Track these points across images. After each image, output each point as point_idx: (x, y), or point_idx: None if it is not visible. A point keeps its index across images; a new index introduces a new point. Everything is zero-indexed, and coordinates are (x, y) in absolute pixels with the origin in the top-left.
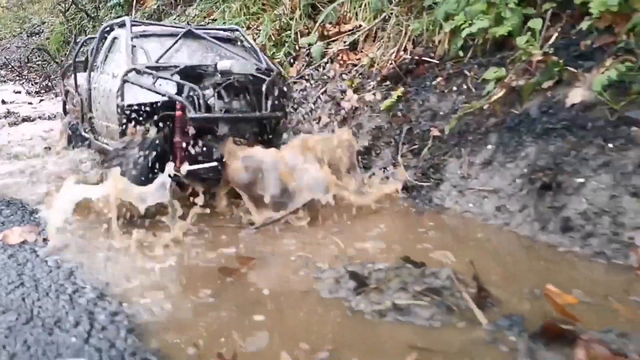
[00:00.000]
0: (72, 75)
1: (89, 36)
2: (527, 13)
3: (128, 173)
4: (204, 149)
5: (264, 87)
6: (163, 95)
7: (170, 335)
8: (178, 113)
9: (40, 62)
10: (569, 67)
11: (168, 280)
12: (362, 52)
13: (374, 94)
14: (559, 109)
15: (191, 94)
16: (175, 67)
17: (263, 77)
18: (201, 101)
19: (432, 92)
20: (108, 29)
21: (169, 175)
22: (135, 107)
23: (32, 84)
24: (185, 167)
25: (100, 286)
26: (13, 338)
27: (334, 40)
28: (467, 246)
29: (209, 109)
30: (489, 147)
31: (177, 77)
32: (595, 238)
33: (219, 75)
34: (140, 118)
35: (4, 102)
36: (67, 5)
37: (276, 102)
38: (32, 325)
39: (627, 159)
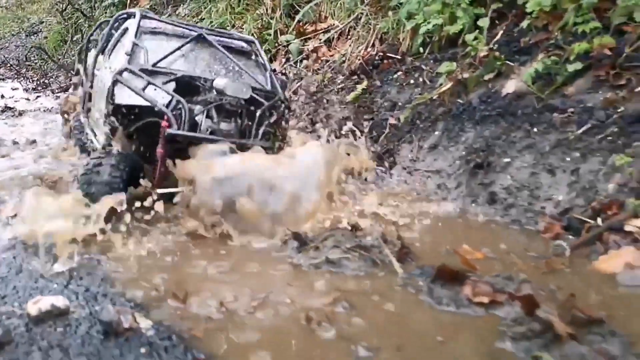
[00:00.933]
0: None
1: (106, 19)
2: (478, 13)
3: (96, 187)
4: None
5: (257, 113)
6: (150, 102)
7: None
8: (165, 123)
9: (38, 61)
10: (508, 62)
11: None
12: (335, 49)
13: (342, 88)
14: (495, 99)
15: (179, 107)
16: (172, 74)
17: (261, 100)
18: (186, 117)
19: (393, 85)
20: (125, 16)
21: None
22: (124, 109)
23: (29, 82)
24: (159, 190)
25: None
26: (5, 284)
27: (310, 38)
28: (405, 217)
29: (195, 127)
30: (436, 133)
31: (170, 86)
32: (514, 208)
33: (214, 93)
34: (127, 120)
35: (2, 96)
36: (64, 5)
37: (269, 129)
38: (21, 276)
39: (547, 141)
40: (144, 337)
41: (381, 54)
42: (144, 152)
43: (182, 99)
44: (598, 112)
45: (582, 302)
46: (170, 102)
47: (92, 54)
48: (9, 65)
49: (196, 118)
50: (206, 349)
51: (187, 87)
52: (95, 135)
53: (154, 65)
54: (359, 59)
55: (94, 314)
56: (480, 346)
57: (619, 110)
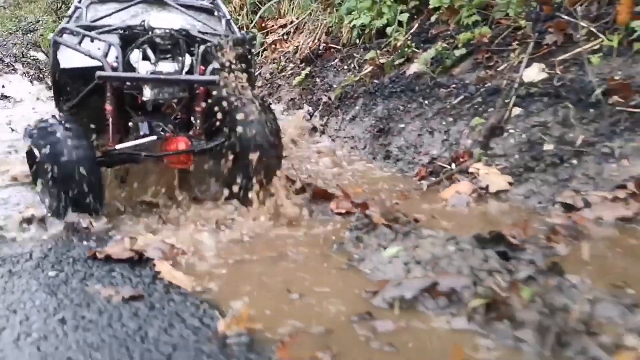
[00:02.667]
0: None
1: None
2: (401, 9)
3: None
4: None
5: (200, 49)
6: (84, 54)
7: None
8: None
9: (33, 57)
10: (415, 49)
11: None
12: (291, 41)
13: (291, 74)
14: (401, 78)
15: (117, 56)
16: (110, 26)
17: (207, 39)
18: (120, 60)
19: (330, 70)
20: None
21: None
22: (69, 72)
23: (25, 76)
24: (121, 145)
25: None
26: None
27: (271, 32)
28: (321, 171)
29: (132, 71)
30: (357, 107)
31: (110, 37)
32: (401, 162)
33: (149, 33)
34: (76, 85)
35: (3, 86)
36: (58, 4)
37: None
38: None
39: (432, 110)
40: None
41: (324, 44)
42: (97, 123)
43: (113, 40)
44: (471, 87)
45: (415, 212)
46: (104, 50)
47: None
48: (6, 62)
49: (132, 62)
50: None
51: (132, 41)
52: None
53: (94, 21)
54: (307, 50)
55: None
56: (332, 235)
57: (485, 85)
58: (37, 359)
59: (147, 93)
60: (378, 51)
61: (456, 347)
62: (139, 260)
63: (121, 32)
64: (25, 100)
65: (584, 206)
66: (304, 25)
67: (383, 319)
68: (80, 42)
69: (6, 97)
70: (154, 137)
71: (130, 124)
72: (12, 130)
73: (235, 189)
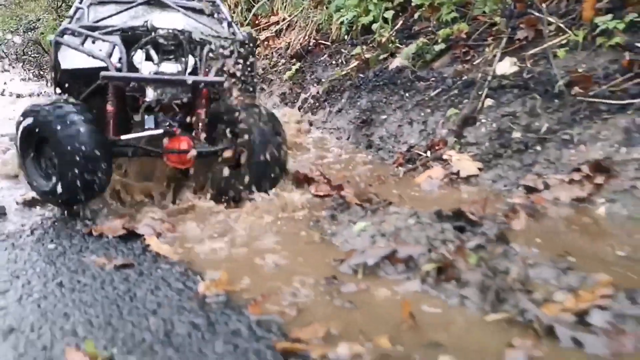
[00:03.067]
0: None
1: None
2: (387, 6)
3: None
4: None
5: (205, 51)
6: (87, 54)
7: None
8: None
9: (34, 55)
10: (398, 45)
11: None
12: (283, 38)
13: (283, 69)
14: (385, 72)
15: (120, 57)
16: (112, 27)
17: (210, 40)
18: (123, 61)
19: (320, 66)
20: None
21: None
22: (71, 73)
23: (26, 73)
24: (127, 135)
25: None
26: None
27: (264, 29)
28: (309, 159)
29: (135, 72)
30: (343, 100)
31: (115, 39)
32: (382, 150)
33: (152, 34)
34: (77, 85)
35: (5, 83)
36: (58, 3)
37: (229, 71)
38: None
39: (412, 102)
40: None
41: (314, 41)
42: (99, 123)
43: (116, 41)
44: (449, 80)
45: (388, 195)
46: (108, 51)
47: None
48: (8, 59)
49: (135, 63)
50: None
51: (132, 39)
52: None
53: (96, 22)
54: (298, 46)
55: None
56: (310, 215)
57: (462, 78)
58: (38, 314)
59: (150, 94)
60: (364, 47)
61: (404, 302)
62: (131, 236)
63: (124, 32)
64: (26, 96)
65: (544, 188)
66: (296, 23)
67: (347, 282)
68: (83, 43)
69: (8, 93)
70: (161, 131)
71: (136, 118)
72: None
73: (231, 194)
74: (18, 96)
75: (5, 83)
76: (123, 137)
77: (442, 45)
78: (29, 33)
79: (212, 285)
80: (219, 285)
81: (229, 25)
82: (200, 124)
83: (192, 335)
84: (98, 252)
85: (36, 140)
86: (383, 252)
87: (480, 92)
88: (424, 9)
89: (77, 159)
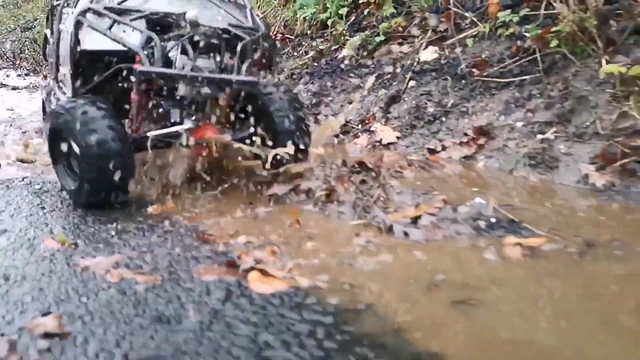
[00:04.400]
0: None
1: None
2: (342, 4)
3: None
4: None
5: (239, 47)
6: (117, 42)
7: None
8: (137, 66)
9: (31, 53)
10: (348, 37)
11: None
12: None
13: None
14: (334, 61)
15: (151, 45)
16: (140, 12)
17: (242, 35)
18: (158, 54)
19: (284, 57)
20: None
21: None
22: (92, 55)
23: (23, 69)
24: (154, 132)
25: None
26: None
27: None
28: None
29: (169, 65)
30: (300, 86)
31: (139, 24)
32: None
33: (187, 27)
34: (96, 68)
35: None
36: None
37: (256, 67)
38: None
39: (353, 85)
40: None
41: (281, 35)
42: (118, 107)
43: (153, 34)
44: (387, 66)
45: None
46: (142, 41)
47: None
48: (5, 57)
49: (170, 56)
50: None
51: (159, 27)
52: (65, 94)
53: (120, 3)
54: None
55: None
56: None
57: (395, 65)
58: (25, 223)
59: (182, 89)
60: (320, 39)
61: (292, 209)
62: None
63: (151, 19)
64: (23, 90)
65: (442, 150)
66: (266, 19)
67: (261, 207)
68: (110, 27)
69: (6, 85)
70: (188, 125)
71: (160, 110)
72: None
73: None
74: (14, 89)
75: (4, 78)
76: (149, 134)
77: (382, 37)
78: (27, 32)
79: (158, 208)
80: (164, 209)
81: (251, 13)
82: (224, 113)
83: (138, 233)
84: None
85: (61, 141)
86: (290, 186)
87: (406, 76)
88: (371, 6)
89: (99, 157)
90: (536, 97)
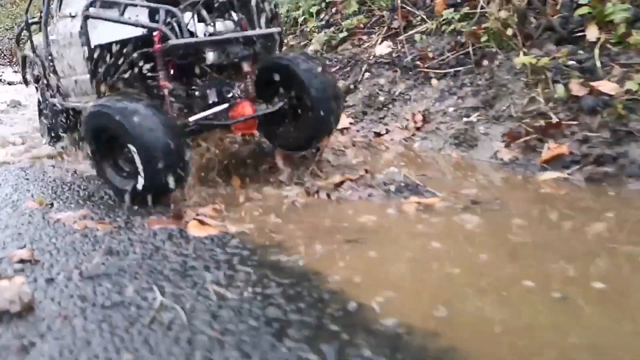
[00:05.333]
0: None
1: None
2: (313, 3)
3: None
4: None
5: (253, 2)
6: (136, 25)
7: None
8: (156, 47)
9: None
10: (316, 33)
11: None
12: None
13: None
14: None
15: (169, 19)
16: None
17: None
18: (183, 27)
19: None
20: None
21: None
22: (107, 48)
23: (19, 65)
24: (195, 116)
25: None
26: None
27: None
28: None
29: (190, 36)
30: None
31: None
32: None
33: None
34: (115, 60)
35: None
36: None
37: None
38: None
39: None
40: None
41: None
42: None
43: (172, 8)
44: (345, 60)
45: None
46: (162, 17)
47: (37, 36)
48: (3, 55)
49: (189, 27)
50: None
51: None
52: (63, 98)
53: None
54: None
55: None
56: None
57: (355, 58)
58: (11, 189)
59: (211, 56)
60: (292, 35)
61: (235, 178)
62: None
63: None
64: (18, 85)
65: (386, 133)
66: None
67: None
68: (122, 13)
69: (1, 80)
70: (226, 105)
71: (196, 92)
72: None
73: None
74: (9, 84)
75: (2, 72)
76: (191, 119)
77: (345, 34)
78: (24, 31)
79: None
80: None
81: None
82: (251, 83)
83: (105, 196)
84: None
85: (107, 140)
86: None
87: (362, 68)
88: (339, 5)
89: (155, 151)
90: (467, 86)
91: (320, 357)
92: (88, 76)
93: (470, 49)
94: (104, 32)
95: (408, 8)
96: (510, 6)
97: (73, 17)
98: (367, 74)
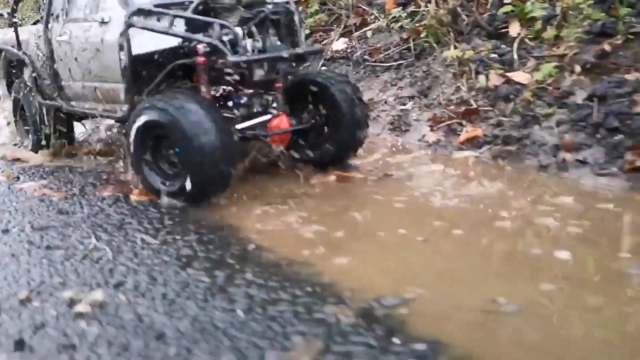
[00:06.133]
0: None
1: None
2: None
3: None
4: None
5: (296, 18)
6: (186, 39)
7: None
8: (201, 60)
9: None
10: None
11: None
12: None
13: None
14: None
15: (223, 33)
16: (189, 1)
17: (289, 7)
18: (240, 43)
19: None
20: None
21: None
22: (146, 58)
23: None
24: (242, 124)
25: None
26: None
27: None
28: None
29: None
30: None
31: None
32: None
33: (241, 9)
34: (151, 71)
35: None
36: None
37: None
38: None
39: None
40: None
41: None
42: None
43: (227, 23)
44: (310, 56)
45: None
46: (218, 33)
47: (26, 29)
48: None
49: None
50: None
51: (204, 13)
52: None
53: None
54: None
55: None
56: None
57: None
58: None
59: (260, 72)
60: None
61: None
62: None
63: (200, 6)
64: None
65: None
66: None
67: None
68: (171, 24)
69: None
70: (269, 116)
71: (241, 101)
72: None
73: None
74: None
75: None
76: (238, 126)
77: (308, 31)
78: None
79: (90, 156)
80: (95, 159)
81: None
82: (281, 99)
83: (66, 170)
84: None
85: (154, 139)
86: None
87: (319, 63)
88: (302, 3)
89: (206, 154)
90: (406, 77)
91: (212, 280)
92: (121, 85)
93: (411, 44)
94: (144, 42)
95: (363, 7)
96: (445, 5)
97: (104, 23)
98: (323, 68)
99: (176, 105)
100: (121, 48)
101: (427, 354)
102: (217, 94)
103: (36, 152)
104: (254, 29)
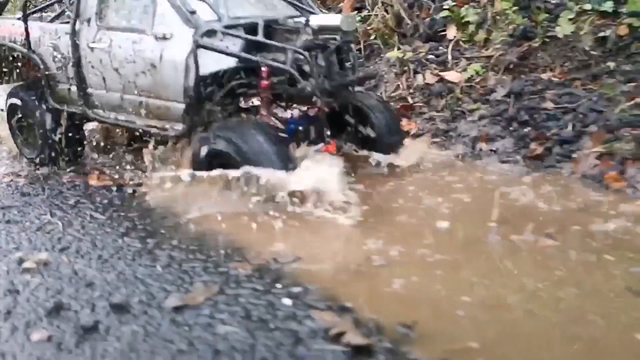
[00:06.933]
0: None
1: None
2: None
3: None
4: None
5: (352, 45)
6: (257, 62)
7: None
8: (264, 83)
9: None
10: None
11: None
12: None
13: None
14: None
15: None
16: (254, 24)
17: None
18: (314, 71)
19: None
20: None
21: None
22: (210, 79)
23: None
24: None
25: None
26: None
27: None
28: None
29: (303, 76)
30: None
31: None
32: None
33: (307, 35)
34: (212, 91)
35: None
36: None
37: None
38: None
39: None
40: None
41: None
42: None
43: (301, 50)
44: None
45: None
46: (291, 59)
47: (36, 24)
48: None
49: (304, 67)
50: None
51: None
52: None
53: (229, 16)
54: None
55: None
56: None
57: None
58: None
59: (320, 101)
60: None
61: (144, 150)
62: None
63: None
64: None
65: None
66: None
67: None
68: (244, 49)
69: None
70: (323, 144)
71: (300, 127)
72: None
73: None
74: None
75: None
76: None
77: None
78: None
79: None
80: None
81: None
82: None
83: (34, 165)
84: None
85: (219, 162)
86: None
87: None
88: None
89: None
90: None
91: (143, 245)
92: (158, 99)
93: (361, 45)
94: (209, 62)
95: (323, 11)
96: (391, 10)
97: (164, 39)
98: None
99: (241, 135)
100: (187, 67)
101: (300, 293)
102: (278, 121)
103: (42, 165)
104: (320, 55)
